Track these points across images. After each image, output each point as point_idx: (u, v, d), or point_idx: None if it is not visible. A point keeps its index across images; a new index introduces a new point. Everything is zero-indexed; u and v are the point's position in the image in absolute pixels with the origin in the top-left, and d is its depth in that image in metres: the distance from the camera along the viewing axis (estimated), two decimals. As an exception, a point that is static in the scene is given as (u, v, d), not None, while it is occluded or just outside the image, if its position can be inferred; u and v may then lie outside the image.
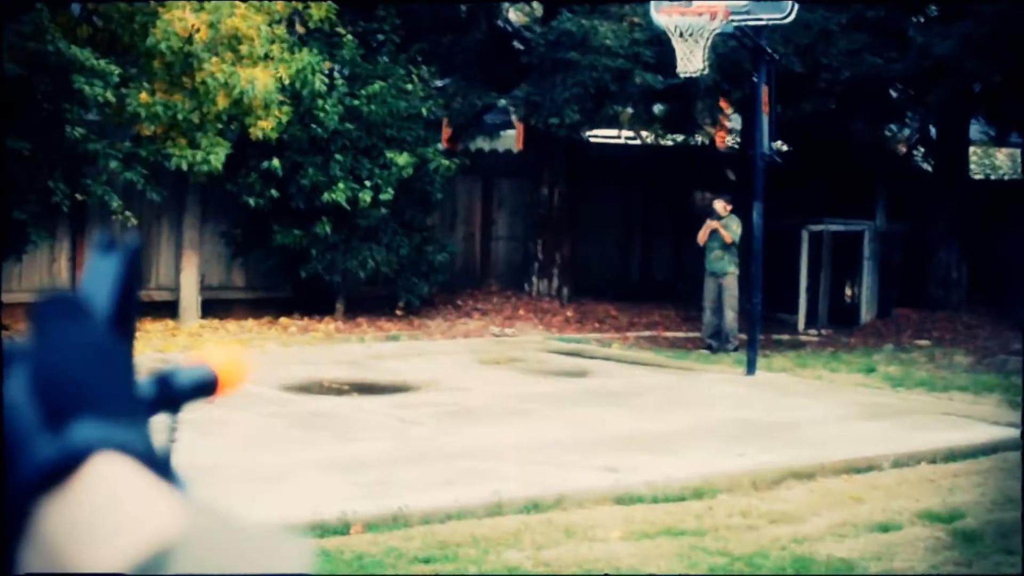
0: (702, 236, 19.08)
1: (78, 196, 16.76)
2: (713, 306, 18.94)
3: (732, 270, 18.83)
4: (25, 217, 16.29)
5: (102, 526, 0.78)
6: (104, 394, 0.84)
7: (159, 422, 0.95)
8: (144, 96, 16.13)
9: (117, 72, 15.61)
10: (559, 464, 10.91)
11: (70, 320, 0.86)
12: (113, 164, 16.47)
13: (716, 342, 18.78)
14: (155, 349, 16.77)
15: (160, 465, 0.85)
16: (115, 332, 0.91)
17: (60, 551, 0.78)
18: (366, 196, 18.69)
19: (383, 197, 18.86)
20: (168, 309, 19.06)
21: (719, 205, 19.33)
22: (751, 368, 16.53)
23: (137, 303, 0.95)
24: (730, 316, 18.69)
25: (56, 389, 0.82)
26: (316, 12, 18.30)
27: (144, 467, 0.82)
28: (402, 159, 18.87)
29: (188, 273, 19.05)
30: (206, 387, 1.03)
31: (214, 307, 19.49)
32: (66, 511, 0.79)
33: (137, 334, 0.95)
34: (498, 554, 8.56)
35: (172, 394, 0.99)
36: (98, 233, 0.98)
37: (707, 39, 16.06)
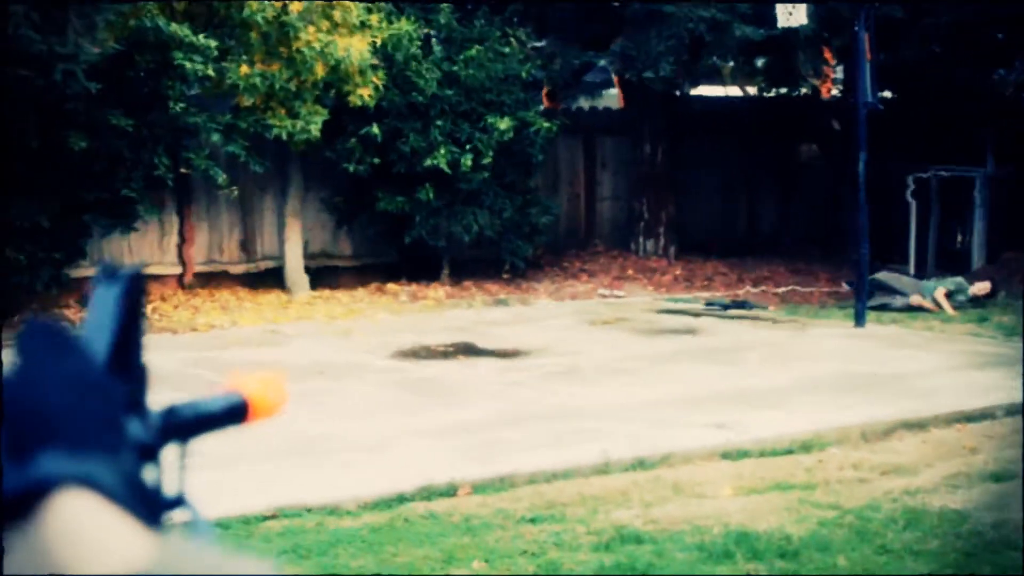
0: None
1: (182, 170, 16.93)
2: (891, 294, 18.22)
3: None
4: (133, 194, 16.48)
5: (58, 562, 0.79)
6: (76, 427, 0.84)
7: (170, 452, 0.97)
8: (244, 68, 16.22)
9: (215, 46, 15.71)
10: (666, 422, 10.86)
11: (48, 350, 0.87)
12: (215, 137, 16.59)
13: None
14: (268, 321, 16.94)
15: (137, 498, 0.85)
16: (112, 365, 0.92)
17: None
18: (467, 160, 18.70)
19: (484, 161, 18.86)
20: (274, 278, 19.24)
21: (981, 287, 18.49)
22: (860, 320, 16.33)
23: (142, 333, 0.96)
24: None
25: (26, 419, 0.82)
26: (411, -22, 18.33)
27: (110, 502, 0.82)
28: (503, 123, 18.85)
29: (292, 242, 19.18)
30: (233, 414, 1.05)
31: (321, 275, 19.63)
32: (28, 543, 0.79)
33: (148, 369, 0.96)
34: (607, 513, 8.53)
35: (184, 423, 1.00)
36: (100, 264, 0.99)
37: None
